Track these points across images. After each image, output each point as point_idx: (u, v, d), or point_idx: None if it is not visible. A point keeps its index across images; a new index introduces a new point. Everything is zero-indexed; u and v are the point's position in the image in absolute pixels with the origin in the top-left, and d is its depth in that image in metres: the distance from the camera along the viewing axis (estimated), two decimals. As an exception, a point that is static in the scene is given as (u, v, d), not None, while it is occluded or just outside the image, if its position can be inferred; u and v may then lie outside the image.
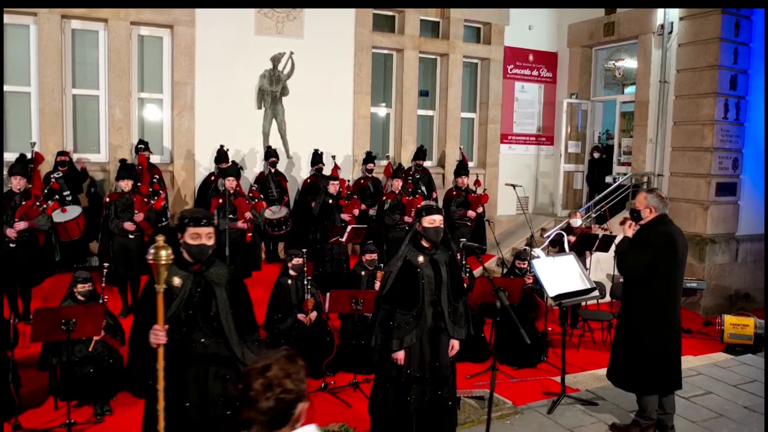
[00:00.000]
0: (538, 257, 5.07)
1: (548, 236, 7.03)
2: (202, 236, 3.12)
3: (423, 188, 9.70)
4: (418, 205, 4.04)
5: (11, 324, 5.50)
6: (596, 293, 5.42)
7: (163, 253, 2.74)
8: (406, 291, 3.97)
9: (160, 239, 2.77)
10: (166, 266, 2.77)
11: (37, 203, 6.77)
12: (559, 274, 5.00)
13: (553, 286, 4.94)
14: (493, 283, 3.78)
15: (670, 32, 9.56)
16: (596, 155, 11.39)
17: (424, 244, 4.04)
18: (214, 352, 3.17)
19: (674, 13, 9.52)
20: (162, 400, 2.83)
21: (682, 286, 4.62)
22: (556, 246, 7.10)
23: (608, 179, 10.54)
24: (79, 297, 5.68)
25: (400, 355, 3.99)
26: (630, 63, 10.91)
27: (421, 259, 4.00)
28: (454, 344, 4.11)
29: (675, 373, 4.61)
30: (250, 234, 7.92)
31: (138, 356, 3.06)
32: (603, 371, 6.39)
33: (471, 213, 8.96)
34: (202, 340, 3.17)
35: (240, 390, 1.58)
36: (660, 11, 9.65)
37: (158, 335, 2.89)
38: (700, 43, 9.18)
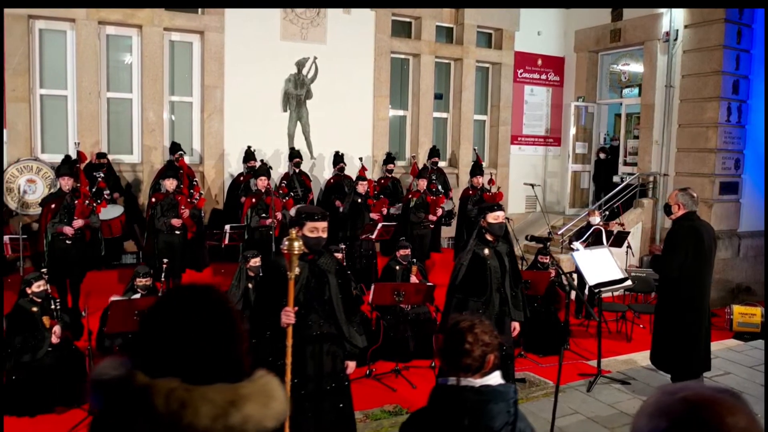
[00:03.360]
0: (578, 250, 5.53)
1: (588, 234, 7.53)
2: (319, 230, 3.52)
3: (439, 187, 10.11)
4: (483, 204, 4.48)
5: (82, 317, 5.85)
6: (629, 282, 5.90)
7: (296, 244, 3.13)
8: (475, 280, 4.42)
9: (293, 232, 3.16)
10: (297, 256, 3.16)
11: (87, 201, 7.10)
12: (596, 265, 5.47)
13: (592, 276, 5.41)
14: (561, 269, 4.24)
15: (675, 39, 10.08)
16: (602, 156, 11.91)
17: (489, 237, 4.48)
18: (327, 332, 3.58)
19: (679, 21, 10.03)
20: (289, 372, 3.22)
21: (711, 274, 5.11)
22: (590, 238, 7.64)
23: (616, 179, 11.05)
24: (140, 290, 6.06)
25: None
26: (635, 67, 11.41)
27: (486, 251, 4.45)
28: (516, 326, 4.59)
29: (706, 355, 5.11)
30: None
31: (262, 336, 3.44)
32: (625, 357, 6.92)
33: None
34: (318, 321, 3.57)
35: (449, 344, 1.99)
36: (665, 19, 10.16)
37: (290, 316, 3.27)
38: (704, 50, 9.70)
